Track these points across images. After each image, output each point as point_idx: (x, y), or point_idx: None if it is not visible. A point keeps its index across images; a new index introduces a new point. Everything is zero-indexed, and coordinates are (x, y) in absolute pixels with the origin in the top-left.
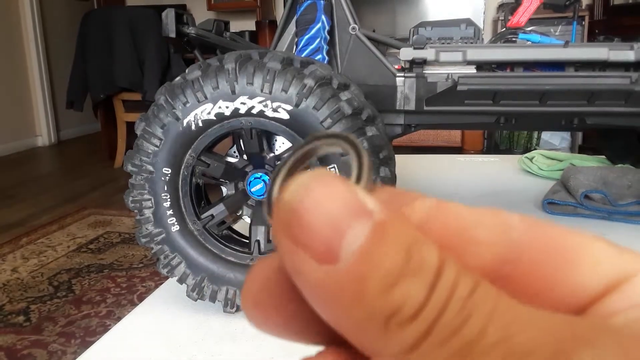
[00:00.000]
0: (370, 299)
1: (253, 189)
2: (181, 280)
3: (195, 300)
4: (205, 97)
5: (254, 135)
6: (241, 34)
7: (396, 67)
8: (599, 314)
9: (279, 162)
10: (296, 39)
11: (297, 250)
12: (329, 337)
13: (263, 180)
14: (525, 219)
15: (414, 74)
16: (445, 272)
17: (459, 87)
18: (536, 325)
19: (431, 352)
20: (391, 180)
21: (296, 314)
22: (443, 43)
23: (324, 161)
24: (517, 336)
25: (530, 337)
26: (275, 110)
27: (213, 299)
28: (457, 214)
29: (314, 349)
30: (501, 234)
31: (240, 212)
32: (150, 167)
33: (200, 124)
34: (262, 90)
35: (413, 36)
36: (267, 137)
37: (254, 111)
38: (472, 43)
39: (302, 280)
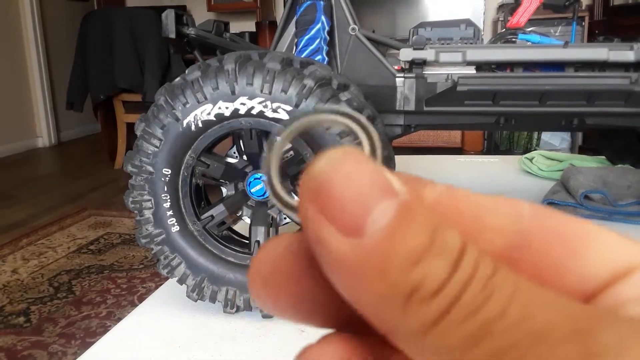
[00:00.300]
0: (393, 274)
1: (253, 190)
2: (181, 281)
3: (195, 300)
4: (205, 98)
5: (253, 136)
6: (241, 34)
7: (396, 67)
8: (606, 303)
9: (279, 127)
10: (296, 40)
11: (323, 220)
12: (338, 320)
13: (263, 180)
14: (535, 208)
15: (413, 75)
16: (468, 254)
17: (459, 88)
18: (555, 307)
19: (450, 329)
20: None
21: (306, 295)
22: (443, 44)
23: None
24: (536, 317)
25: (549, 318)
26: (275, 110)
27: (213, 299)
28: (469, 200)
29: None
30: (512, 221)
31: (240, 213)
32: (150, 168)
33: (200, 125)
34: (261, 91)
35: (413, 37)
36: (267, 137)
37: (254, 112)
38: (471, 43)
39: (325, 252)
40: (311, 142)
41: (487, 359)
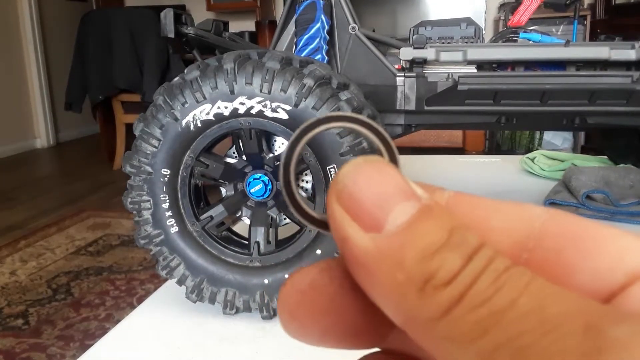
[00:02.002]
0: (409, 264)
1: (252, 190)
2: (180, 282)
3: (195, 302)
4: (204, 98)
5: (253, 136)
6: (241, 34)
7: (396, 66)
8: (624, 303)
9: (300, 129)
10: (295, 39)
11: (347, 218)
12: (362, 346)
13: (262, 181)
14: (549, 210)
15: (414, 74)
16: (483, 250)
17: (460, 87)
18: (568, 302)
19: (462, 317)
20: None
21: (330, 325)
22: (443, 42)
23: (323, 161)
24: (550, 308)
25: (562, 310)
26: (274, 110)
27: (212, 300)
28: (475, 203)
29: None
30: (520, 222)
31: (240, 213)
32: (148, 168)
33: (199, 125)
34: (261, 90)
35: (413, 36)
36: (267, 137)
37: (253, 111)
38: (472, 42)
39: (348, 247)
40: (310, 140)
41: (497, 347)
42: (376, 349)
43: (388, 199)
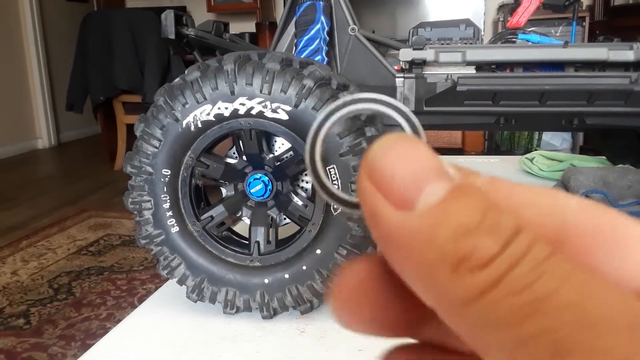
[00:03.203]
0: (441, 243)
1: (252, 190)
2: (181, 282)
3: (195, 301)
4: (205, 98)
5: (253, 136)
6: (241, 35)
7: (396, 67)
8: None
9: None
10: (295, 40)
11: (378, 195)
12: (401, 335)
13: (262, 181)
14: (583, 202)
15: (413, 75)
16: (522, 235)
17: (459, 88)
18: (612, 297)
19: (499, 301)
20: None
21: (372, 315)
22: (442, 44)
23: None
24: (592, 301)
25: (605, 305)
26: (274, 111)
27: (213, 300)
28: (510, 192)
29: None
30: (552, 215)
31: (240, 213)
32: (149, 169)
33: (200, 125)
34: (261, 91)
35: (412, 37)
36: (267, 138)
37: (253, 112)
38: (471, 44)
39: (378, 224)
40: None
41: (533, 336)
42: (413, 340)
43: (420, 178)
